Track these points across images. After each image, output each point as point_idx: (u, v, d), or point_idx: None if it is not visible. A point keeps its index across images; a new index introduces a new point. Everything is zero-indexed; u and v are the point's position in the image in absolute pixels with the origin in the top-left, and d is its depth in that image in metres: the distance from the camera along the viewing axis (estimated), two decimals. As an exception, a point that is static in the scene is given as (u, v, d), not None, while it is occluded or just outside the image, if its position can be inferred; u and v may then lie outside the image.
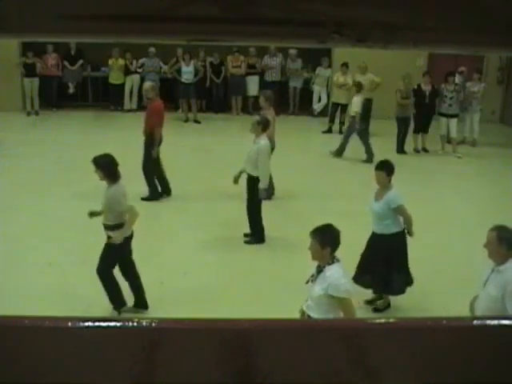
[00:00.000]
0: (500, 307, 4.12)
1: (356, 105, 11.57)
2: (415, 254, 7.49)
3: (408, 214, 6.00)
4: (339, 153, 11.83)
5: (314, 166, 11.29)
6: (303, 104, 15.68)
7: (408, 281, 6.12)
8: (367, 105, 13.40)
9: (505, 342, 1.23)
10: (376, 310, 6.25)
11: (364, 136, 11.68)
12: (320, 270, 4.39)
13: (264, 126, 7.48)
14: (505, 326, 1.22)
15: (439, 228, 8.49)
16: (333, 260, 4.36)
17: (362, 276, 6.12)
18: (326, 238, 4.35)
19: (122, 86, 15.09)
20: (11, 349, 1.18)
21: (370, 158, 11.28)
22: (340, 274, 4.32)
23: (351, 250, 6.52)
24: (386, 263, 6.01)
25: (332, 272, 4.31)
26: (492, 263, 4.45)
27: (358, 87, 11.92)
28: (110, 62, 14.88)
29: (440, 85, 12.76)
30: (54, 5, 0.81)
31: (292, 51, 15.04)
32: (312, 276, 4.46)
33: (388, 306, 6.28)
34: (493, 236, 4.38)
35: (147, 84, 10.15)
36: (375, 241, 6.09)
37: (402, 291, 6.14)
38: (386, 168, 5.99)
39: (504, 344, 1.22)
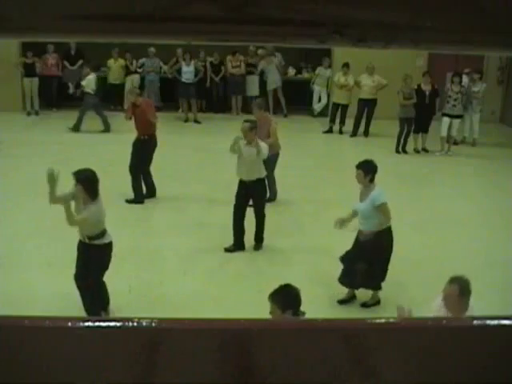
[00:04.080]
0: None
1: (90, 82, 12.94)
2: (415, 254, 7.50)
3: (389, 213, 5.98)
4: (76, 128, 13.09)
5: (316, 167, 11.29)
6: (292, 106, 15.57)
7: (383, 277, 6.21)
8: (370, 105, 13.47)
9: (505, 341, 1.23)
10: (364, 305, 6.31)
11: (99, 109, 13.27)
12: None
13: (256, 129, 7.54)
14: (505, 326, 1.22)
15: (439, 228, 8.49)
16: None
17: (347, 277, 6.21)
18: (286, 301, 4.04)
19: (122, 86, 15.08)
20: (11, 349, 1.18)
21: (107, 128, 13.16)
22: None
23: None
24: (370, 260, 6.07)
25: None
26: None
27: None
28: (110, 62, 14.89)
29: (445, 85, 12.81)
30: (54, 5, 0.81)
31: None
32: None
33: (378, 302, 6.34)
34: (455, 290, 4.14)
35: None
36: (362, 240, 6.12)
37: (379, 287, 6.25)
38: (363, 167, 5.99)
39: (504, 344, 1.22)
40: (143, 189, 9.20)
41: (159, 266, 7.06)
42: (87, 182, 5.51)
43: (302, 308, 4.15)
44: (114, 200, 8.08)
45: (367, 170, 5.98)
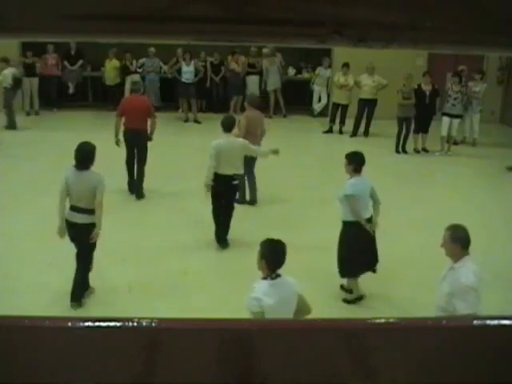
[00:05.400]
0: (452, 304, 4.34)
1: (5, 77, 12.93)
2: (414, 253, 7.50)
3: (353, 205, 6.09)
4: (11, 126, 13.15)
5: (316, 167, 11.28)
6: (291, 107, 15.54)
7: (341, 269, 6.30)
8: (371, 106, 13.47)
9: (505, 341, 1.23)
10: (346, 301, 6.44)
11: (10, 108, 13.18)
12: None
13: (223, 126, 7.59)
14: (505, 326, 1.22)
15: (439, 228, 8.48)
16: (265, 276, 4.24)
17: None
18: (265, 251, 4.25)
19: (118, 86, 15.00)
20: (11, 349, 1.18)
21: (10, 125, 13.11)
22: (254, 292, 4.14)
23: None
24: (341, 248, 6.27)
25: (254, 288, 4.19)
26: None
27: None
28: (106, 63, 14.82)
29: (445, 85, 12.81)
30: (54, 5, 0.81)
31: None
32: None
33: (360, 298, 6.40)
34: (447, 235, 4.52)
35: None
36: (342, 228, 6.31)
37: (342, 276, 6.39)
38: (348, 157, 6.18)
39: (504, 344, 1.22)
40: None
41: (159, 265, 7.05)
42: (77, 149, 5.99)
43: None
44: (113, 199, 8.07)
45: (351, 159, 6.15)
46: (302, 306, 4.31)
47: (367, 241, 6.19)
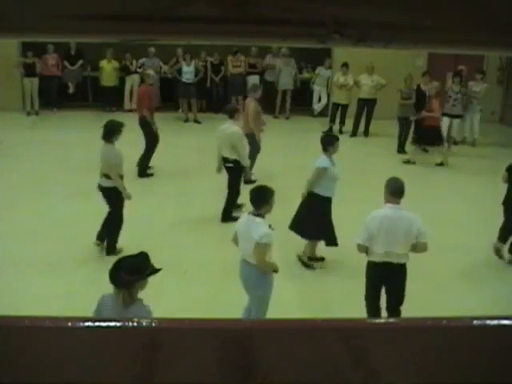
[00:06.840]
0: None
1: None
2: (413, 253, 7.49)
3: (313, 177, 7.23)
4: None
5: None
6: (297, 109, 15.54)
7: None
8: (370, 105, 13.47)
9: (505, 341, 1.23)
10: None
11: None
12: None
13: (228, 113, 8.32)
14: (505, 326, 1.22)
15: (438, 228, 8.48)
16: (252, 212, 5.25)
17: None
18: (252, 198, 5.26)
19: (115, 88, 14.96)
20: (11, 349, 1.18)
21: None
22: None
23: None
24: None
25: None
26: None
27: None
28: (102, 63, 14.74)
29: (445, 85, 12.79)
30: (54, 5, 0.82)
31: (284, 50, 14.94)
32: None
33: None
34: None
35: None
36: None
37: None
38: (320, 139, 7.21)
39: (504, 344, 1.23)
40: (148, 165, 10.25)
41: (159, 264, 7.04)
42: (104, 125, 6.96)
43: None
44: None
45: (320, 140, 7.30)
46: (254, 254, 5.08)
47: (315, 213, 7.10)
